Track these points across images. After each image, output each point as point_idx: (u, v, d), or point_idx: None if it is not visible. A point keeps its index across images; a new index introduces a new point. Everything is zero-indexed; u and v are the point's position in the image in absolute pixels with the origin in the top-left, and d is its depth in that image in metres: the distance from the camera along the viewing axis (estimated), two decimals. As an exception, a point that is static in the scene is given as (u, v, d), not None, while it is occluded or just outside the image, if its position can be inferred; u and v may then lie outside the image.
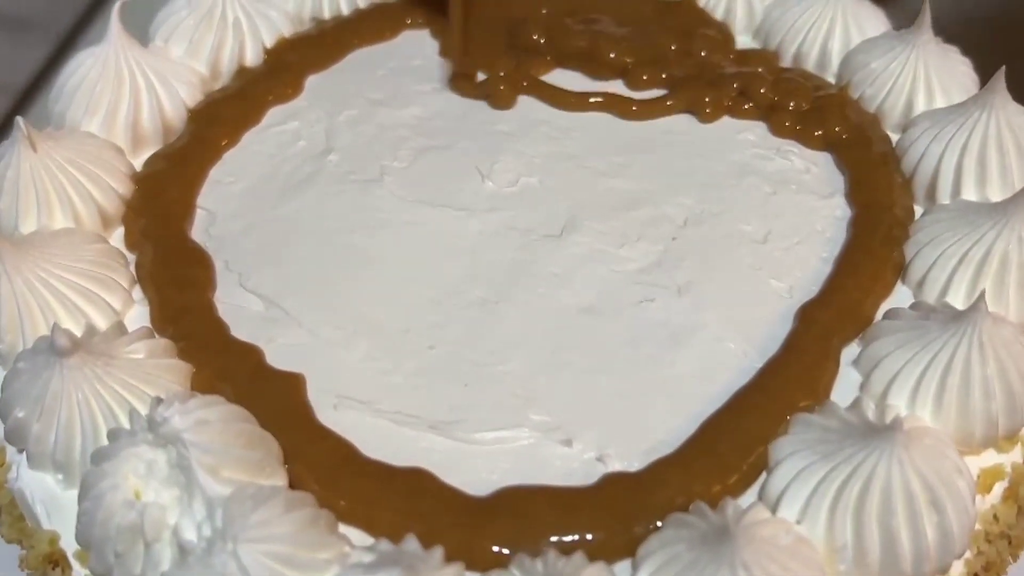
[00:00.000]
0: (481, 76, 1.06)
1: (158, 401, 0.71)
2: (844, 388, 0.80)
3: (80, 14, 1.79)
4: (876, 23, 1.07)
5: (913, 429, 0.71)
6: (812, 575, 0.66)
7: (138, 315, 0.86)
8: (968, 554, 0.74)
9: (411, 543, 0.66)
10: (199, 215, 0.95)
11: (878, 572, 0.69)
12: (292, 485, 0.73)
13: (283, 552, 0.65)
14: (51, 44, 1.71)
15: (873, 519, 0.68)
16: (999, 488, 0.77)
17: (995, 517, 0.76)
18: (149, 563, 0.68)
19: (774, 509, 0.71)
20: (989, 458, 0.77)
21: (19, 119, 0.89)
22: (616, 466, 0.76)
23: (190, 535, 0.67)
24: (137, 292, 0.88)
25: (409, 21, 1.14)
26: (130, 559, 0.68)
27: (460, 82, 1.06)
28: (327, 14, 1.13)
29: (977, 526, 0.74)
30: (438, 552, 0.65)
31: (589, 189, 0.96)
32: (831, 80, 1.05)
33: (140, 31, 1.05)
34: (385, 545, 0.67)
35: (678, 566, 0.66)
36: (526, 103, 1.05)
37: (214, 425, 0.70)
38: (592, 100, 1.04)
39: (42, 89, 1.02)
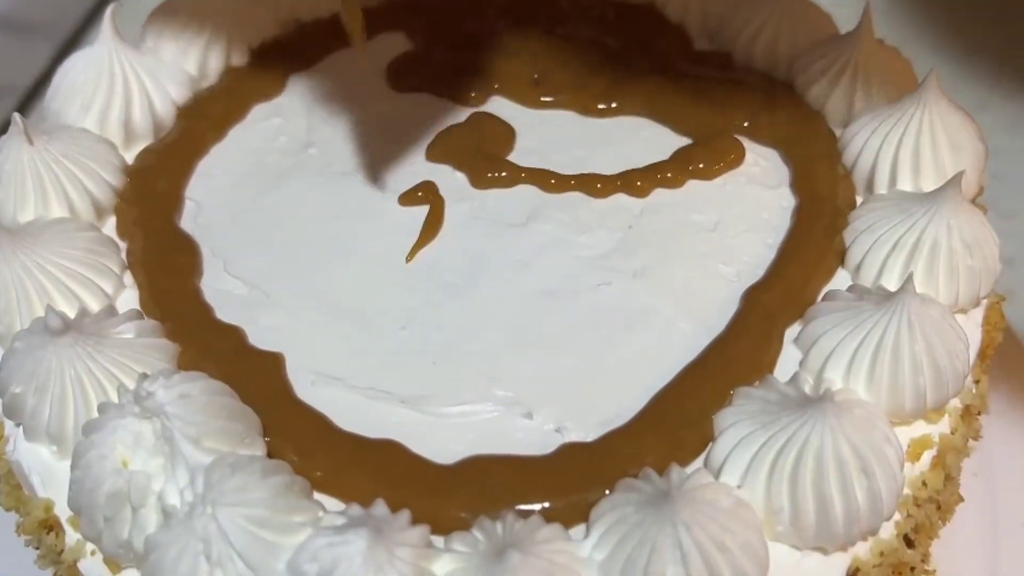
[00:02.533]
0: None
1: (144, 377, 0.72)
2: (787, 364, 0.81)
3: (83, 18, 1.79)
4: (822, 25, 1.08)
5: (844, 401, 0.72)
6: (751, 535, 0.68)
7: (128, 299, 0.87)
8: (898, 516, 0.75)
9: (380, 507, 0.67)
10: (187, 205, 0.95)
11: (813, 533, 0.70)
12: (271, 456, 0.74)
13: (259, 515, 0.66)
14: (54, 47, 1.70)
15: (807, 483, 0.70)
16: (928, 456, 0.78)
17: (924, 483, 0.77)
18: (136, 527, 0.69)
19: (717, 475, 0.72)
20: (918, 428, 0.78)
21: (16, 115, 0.89)
22: (573, 437, 0.77)
23: (173, 500, 0.68)
24: (128, 277, 0.88)
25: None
26: (118, 523, 0.69)
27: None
28: (308, 17, 1.13)
29: (907, 491, 0.76)
30: (405, 515, 0.66)
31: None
32: (779, 80, 1.05)
33: (132, 33, 1.05)
34: (356, 509, 0.68)
35: (626, 526, 0.67)
36: (496, 101, 1.05)
37: (196, 399, 0.71)
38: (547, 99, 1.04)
39: (45, 90, 1.02)
